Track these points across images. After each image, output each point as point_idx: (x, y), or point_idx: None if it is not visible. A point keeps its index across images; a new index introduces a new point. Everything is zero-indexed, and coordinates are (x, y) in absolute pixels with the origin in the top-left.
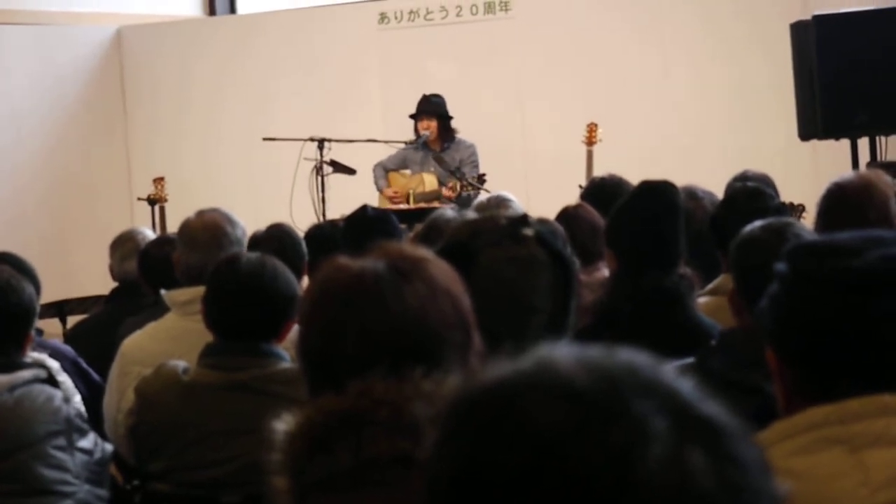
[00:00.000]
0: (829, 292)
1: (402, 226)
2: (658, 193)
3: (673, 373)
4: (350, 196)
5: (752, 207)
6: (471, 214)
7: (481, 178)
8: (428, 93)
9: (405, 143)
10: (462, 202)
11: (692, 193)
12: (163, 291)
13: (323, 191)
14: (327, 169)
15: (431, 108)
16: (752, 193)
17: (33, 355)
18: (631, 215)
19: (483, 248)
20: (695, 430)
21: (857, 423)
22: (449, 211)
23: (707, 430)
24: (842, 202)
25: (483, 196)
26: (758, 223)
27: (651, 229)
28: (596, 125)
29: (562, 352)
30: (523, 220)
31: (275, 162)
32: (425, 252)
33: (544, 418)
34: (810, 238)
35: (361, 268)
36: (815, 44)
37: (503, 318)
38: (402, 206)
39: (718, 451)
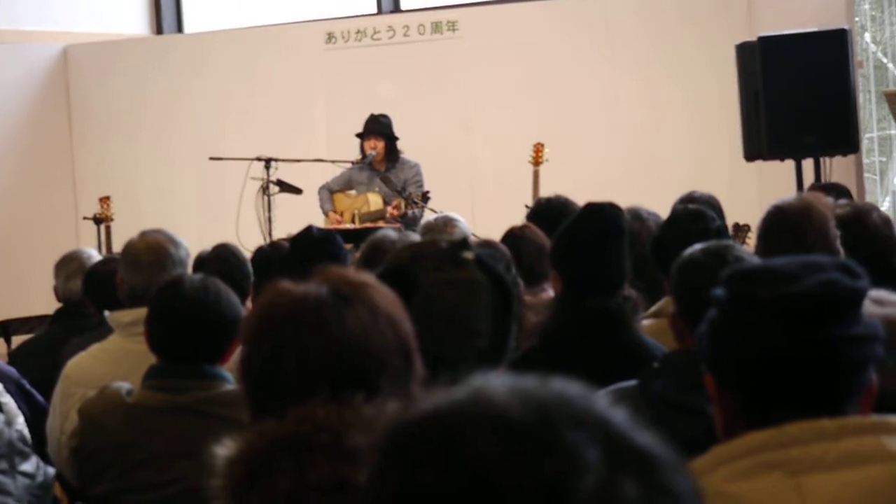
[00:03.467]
0: (766, 318)
1: (348, 246)
2: (603, 215)
3: (606, 402)
4: (296, 215)
5: (693, 229)
6: (414, 236)
7: (425, 197)
8: (375, 112)
9: (351, 162)
10: (407, 221)
11: (637, 215)
12: (106, 313)
13: (269, 210)
14: (274, 188)
15: (378, 128)
16: (693, 215)
17: None
18: (575, 237)
19: (423, 272)
20: (627, 460)
21: (796, 447)
22: (391, 232)
23: (639, 461)
24: (781, 224)
25: (430, 216)
26: (698, 246)
27: (595, 251)
28: (542, 145)
29: (496, 382)
30: (464, 243)
31: (221, 181)
32: (368, 277)
33: (478, 449)
34: (749, 262)
35: (304, 292)
36: (761, 65)
37: (444, 342)
38: (348, 226)
39: (651, 482)
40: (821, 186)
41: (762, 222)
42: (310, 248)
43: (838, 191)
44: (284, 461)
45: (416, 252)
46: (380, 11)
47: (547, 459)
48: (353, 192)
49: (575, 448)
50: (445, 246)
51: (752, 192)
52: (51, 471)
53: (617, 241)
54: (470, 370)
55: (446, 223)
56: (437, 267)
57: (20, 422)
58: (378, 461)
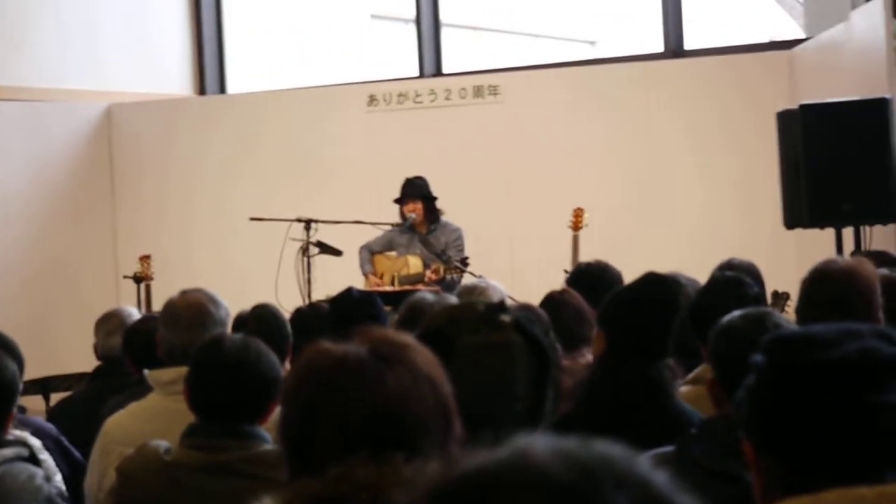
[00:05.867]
0: (805, 385)
1: (387, 308)
2: (662, 287)
3: (648, 465)
4: (336, 277)
5: (731, 296)
6: (451, 298)
7: (464, 262)
8: (414, 175)
9: (392, 224)
10: (445, 286)
11: (675, 281)
12: (146, 371)
13: (309, 272)
14: (313, 250)
15: (415, 190)
16: (731, 282)
17: (15, 433)
18: (630, 303)
19: (461, 335)
20: None
21: None
22: (429, 294)
23: None
24: (824, 287)
25: (466, 281)
26: (736, 313)
27: (648, 319)
28: (582, 210)
29: (538, 442)
30: (501, 306)
31: (262, 242)
32: (408, 338)
33: None
34: (788, 329)
35: (344, 352)
36: (801, 132)
37: (481, 405)
38: (387, 289)
39: None
40: (867, 253)
41: (805, 283)
42: (350, 309)
43: (883, 259)
44: None
45: (453, 314)
46: (422, 75)
47: None
48: (393, 253)
49: None
50: (482, 309)
51: (792, 259)
52: None
53: (671, 315)
54: (507, 433)
55: (483, 289)
56: (474, 329)
57: (59, 479)
58: None
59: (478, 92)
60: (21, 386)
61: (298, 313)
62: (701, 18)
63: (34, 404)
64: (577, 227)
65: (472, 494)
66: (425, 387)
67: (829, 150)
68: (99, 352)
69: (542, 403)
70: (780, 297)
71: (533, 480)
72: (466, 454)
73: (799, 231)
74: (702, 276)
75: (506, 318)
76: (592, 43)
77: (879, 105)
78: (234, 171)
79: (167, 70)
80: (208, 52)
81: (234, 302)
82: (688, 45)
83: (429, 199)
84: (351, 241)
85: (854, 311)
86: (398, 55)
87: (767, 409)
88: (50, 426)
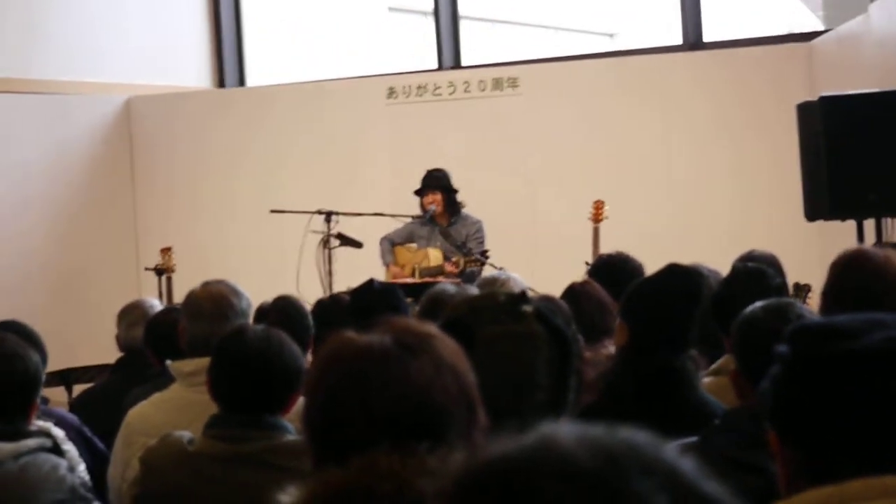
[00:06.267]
0: (830, 375)
1: (409, 300)
2: (687, 278)
3: (674, 452)
4: (356, 269)
5: (753, 288)
6: (472, 289)
7: (485, 254)
8: (434, 167)
9: (412, 217)
10: (466, 278)
11: (698, 272)
12: (168, 362)
13: (330, 263)
14: (334, 242)
15: (435, 182)
16: (753, 274)
17: (39, 424)
18: (652, 294)
19: (482, 325)
20: None
21: None
22: (450, 286)
23: None
24: (856, 274)
25: (487, 273)
26: (759, 304)
27: (671, 311)
28: (602, 202)
29: (564, 430)
30: (522, 296)
31: (282, 234)
32: (431, 328)
33: (546, 496)
34: (812, 319)
35: (368, 342)
36: (822, 125)
37: (502, 395)
38: (408, 280)
39: None
40: (889, 244)
41: (837, 268)
42: (371, 300)
43: None
44: None
45: (474, 305)
46: (441, 67)
47: None
48: (413, 245)
49: (644, 496)
50: (504, 299)
51: (813, 251)
52: None
53: (694, 306)
54: (530, 423)
55: (503, 281)
56: (495, 320)
57: (82, 469)
58: None
59: (497, 84)
60: (44, 377)
61: (320, 305)
62: (719, 10)
63: (56, 396)
64: (597, 219)
65: (497, 481)
66: (449, 376)
67: (850, 141)
68: (121, 343)
69: (564, 393)
70: (802, 289)
71: (558, 467)
72: (492, 442)
73: (820, 223)
74: (723, 268)
75: (527, 308)
76: (611, 35)
77: None
78: (254, 164)
79: (186, 63)
80: (227, 45)
81: (255, 294)
82: (706, 37)
83: (449, 191)
84: (371, 233)
85: (884, 302)
86: (417, 48)
87: (792, 400)
88: (73, 417)
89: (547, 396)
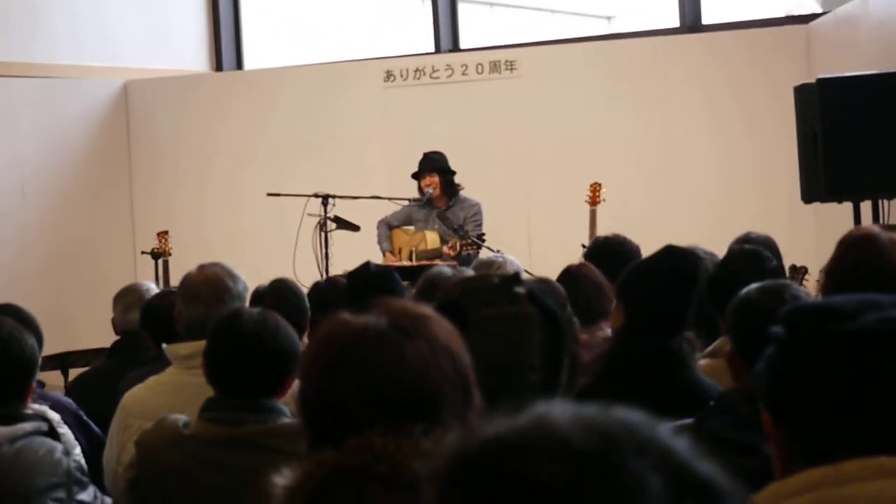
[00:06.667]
0: (825, 355)
1: (405, 282)
2: (683, 260)
3: (669, 432)
4: (353, 252)
5: (749, 270)
6: (468, 272)
7: (481, 238)
8: (432, 150)
9: (410, 200)
10: (462, 261)
11: (694, 254)
12: (164, 345)
13: (326, 247)
14: (331, 225)
15: (432, 164)
16: (749, 256)
17: (34, 407)
18: (648, 276)
19: (475, 307)
20: (690, 488)
21: (853, 485)
22: (446, 268)
23: (702, 490)
24: (865, 253)
25: (483, 256)
26: (754, 285)
27: (667, 293)
28: (599, 185)
29: (558, 409)
30: (515, 278)
31: (279, 217)
32: (427, 309)
33: (541, 475)
34: (807, 301)
35: (364, 324)
36: (819, 107)
37: (496, 375)
38: (405, 263)
39: None
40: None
41: (846, 246)
42: (367, 283)
43: None
44: (343, 491)
45: (467, 287)
46: (438, 50)
47: (610, 486)
48: (411, 228)
49: (638, 475)
50: (497, 281)
51: (810, 233)
52: (108, 500)
53: (691, 288)
54: (523, 403)
55: (500, 264)
56: (488, 302)
57: (77, 452)
58: (439, 487)
59: (494, 67)
60: (40, 361)
61: (316, 288)
62: None
63: (53, 379)
64: (594, 201)
65: (491, 461)
66: (444, 358)
67: (847, 124)
68: (117, 327)
69: (557, 374)
70: (798, 271)
71: (553, 446)
72: (486, 422)
73: (817, 205)
74: (720, 250)
75: (520, 289)
76: (609, 18)
77: None
78: (251, 147)
79: (184, 46)
80: (225, 29)
81: (251, 277)
82: (704, 19)
83: (446, 174)
84: (368, 216)
85: (887, 286)
86: (414, 31)
87: (787, 380)
88: (69, 401)
89: (540, 377)
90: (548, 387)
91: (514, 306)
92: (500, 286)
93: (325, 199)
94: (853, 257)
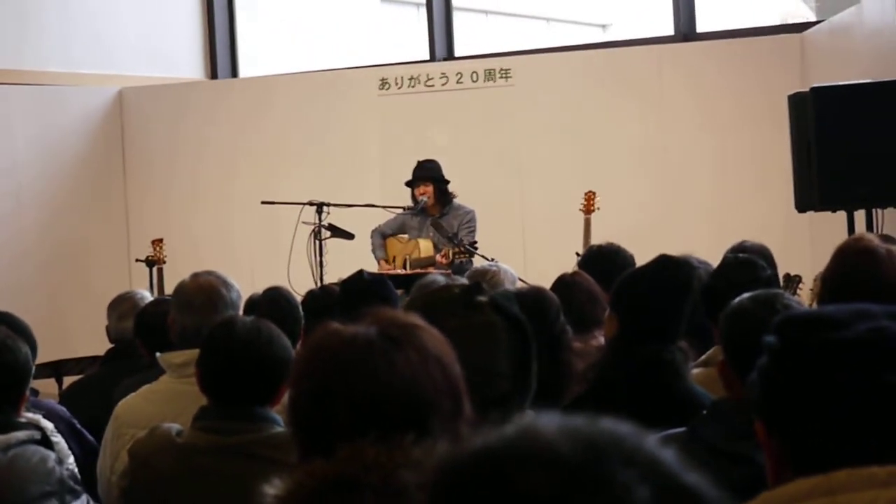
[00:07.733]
0: (816, 364)
1: (399, 291)
2: (678, 270)
3: (656, 443)
4: (348, 260)
5: (742, 279)
6: (462, 281)
7: (473, 245)
8: (425, 158)
9: (404, 208)
10: (456, 269)
11: (688, 263)
12: (158, 354)
13: (321, 255)
14: (325, 233)
15: (426, 173)
16: (743, 264)
17: (28, 415)
18: (642, 285)
19: (438, 318)
20: (677, 499)
21: (844, 494)
22: (440, 277)
23: (688, 500)
24: (863, 262)
25: (478, 264)
26: (747, 295)
27: (661, 303)
28: (594, 193)
29: (546, 420)
30: (476, 287)
31: (273, 225)
32: (417, 319)
33: (528, 486)
34: (799, 310)
35: (353, 334)
36: (813, 116)
37: (465, 385)
38: (399, 271)
39: None
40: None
41: (843, 255)
42: (361, 291)
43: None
44: (334, 501)
45: (428, 300)
46: (433, 58)
47: (597, 497)
48: (405, 236)
49: (625, 486)
50: (458, 291)
51: (804, 242)
52: None
53: (684, 297)
54: (496, 413)
55: (494, 273)
56: (451, 313)
57: (71, 461)
58: (428, 497)
59: (489, 75)
60: (34, 369)
61: (310, 296)
62: (712, 1)
63: (47, 387)
64: (588, 210)
65: (480, 472)
66: (434, 368)
67: (841, 132)
68: (111, 335)
69: (526, 381)
70: (793, 280)
71: (541, 458)
72: (475, 433)
73: (811, 214)
74: (714, 259)
75: (482, 298)
76: (604, 26)
77: (891, 88)
78: (246, 155)
79: (178, 54)
80: (219, 36)
81: (245, 285)
82: (699, 28)
83: (440, 182)
84: (362, 224)
85: (883, 296)
86: (409, 38)
87: (779, 389)
88: (62, 409)
89: (509, 385)
90: (518, 394)
91: (477, 316)
92: (462, 296)
93: (320, 207)
94: (850, 266)
